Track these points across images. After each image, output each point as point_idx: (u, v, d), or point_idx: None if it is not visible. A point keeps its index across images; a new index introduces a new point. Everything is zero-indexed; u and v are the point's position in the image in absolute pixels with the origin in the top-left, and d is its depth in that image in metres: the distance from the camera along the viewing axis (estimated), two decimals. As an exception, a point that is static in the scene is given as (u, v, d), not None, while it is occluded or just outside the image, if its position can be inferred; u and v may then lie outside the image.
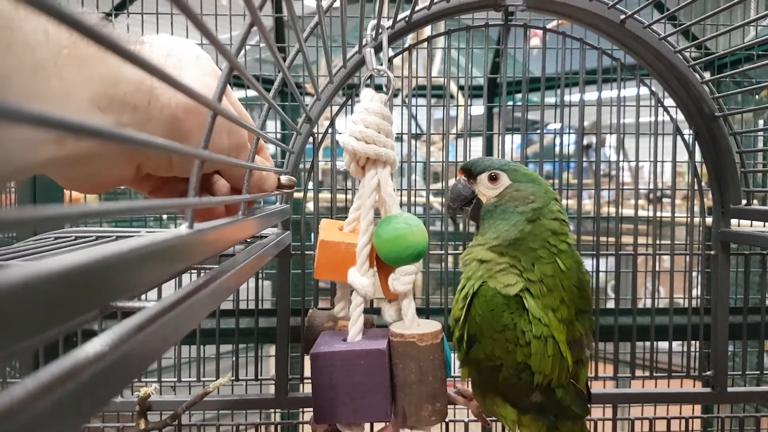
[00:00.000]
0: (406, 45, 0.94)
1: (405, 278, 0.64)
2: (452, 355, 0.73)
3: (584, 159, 1.09)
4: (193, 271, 0.59)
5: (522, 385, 0.64)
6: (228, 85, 0.35)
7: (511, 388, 0.65)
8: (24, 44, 0.32)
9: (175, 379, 0.96)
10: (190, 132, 0.43)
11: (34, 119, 0.14)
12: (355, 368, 0.60)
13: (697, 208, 0.94)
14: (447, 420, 0.96)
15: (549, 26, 0.95)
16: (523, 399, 0.66)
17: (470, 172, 0.70)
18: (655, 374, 0.96)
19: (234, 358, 0.97)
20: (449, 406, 0.69)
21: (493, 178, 0.68)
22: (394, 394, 0.62)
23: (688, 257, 0.96)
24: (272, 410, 1.16)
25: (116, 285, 0.20)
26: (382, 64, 0.70)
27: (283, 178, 0.60)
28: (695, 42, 0.90)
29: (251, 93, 1.43)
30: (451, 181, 1.05)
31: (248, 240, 0.62)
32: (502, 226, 0.67)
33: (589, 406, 0.70)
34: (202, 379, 0.95)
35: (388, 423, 0.66)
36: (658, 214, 0.98)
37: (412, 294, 0.65)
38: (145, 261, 0.23)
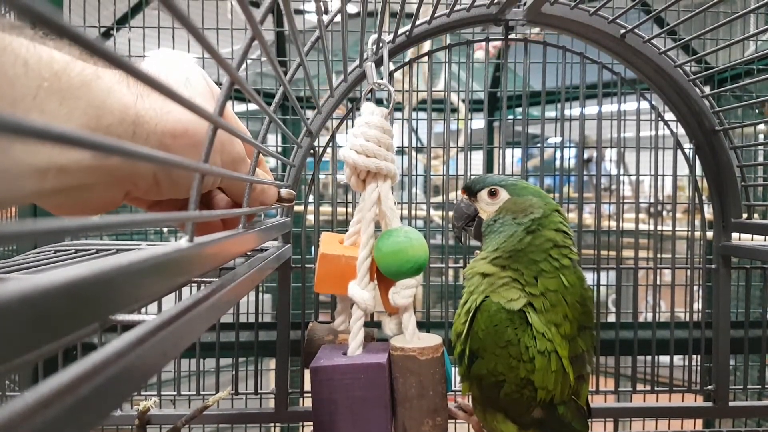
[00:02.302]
0: (407, 59, 0.95)
1: (405, 292, 0.63)
2: (453, 369, 0.72)
3: (585, 173, 1.09)
4: (193, 284, 0.59)
5: (524, 401, 0.64)
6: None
7: (513, 404, 0.65)
8: (3, 78, 0.31)
9: (175, 393, 0.95)
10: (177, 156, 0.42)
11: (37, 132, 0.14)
12: (356, 382, 0.60)
13: (697, 222, 0.94)
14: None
15: (534, 31, 0.95)
16: (525, 415, 0.65)
17: (471, 190, 0.72)
18: (656, 388, 0.95)
19: (234, 372, 0.96)
20: (450, 421, 0.69)
21: (493, 194, 0.70)
22: (395, 409, 0.62)
23: (689, 271, 0.96)
24: (272, 424, 1.15)
25: (116, 299, 0.20)
26: (382, 78, 0.70)
27: (283, 192, 0.60)
28: (695, 56, 0.90)
29: (252, 106, 1.44)
30: (452, 195, 1.05)
31: (248, 253, 0.62)
32: (500, 238, 0.67)
33: (589, 422, 0.70)
34: (201, 392, 0.95)
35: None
36: (659, 227, 0.98)
37: (412, 307, 0.65)
38: (145, 275, 0.23)
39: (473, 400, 0.71)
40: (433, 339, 0.63)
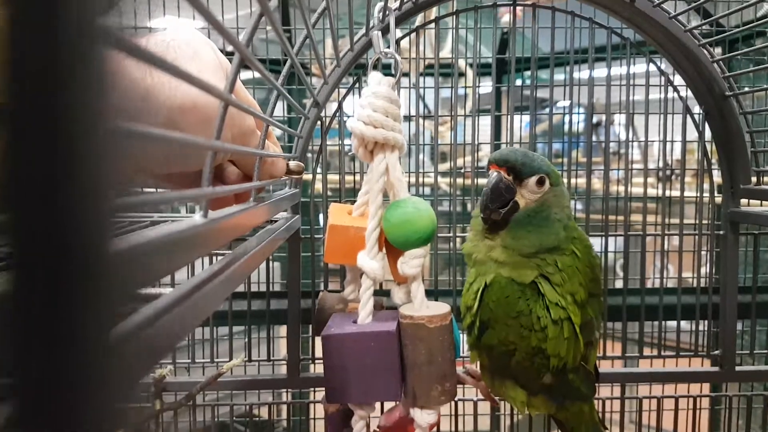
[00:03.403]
0: (414, 26, 0.94)
1: (414, 261, 0.64)
2: (461, 335, 0.73)
3: (593, 137, 1.08)
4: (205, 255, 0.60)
5: (535, 368, 0.65)
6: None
7: (524, 372, 0.66)
8: None
9: (189, 361, 0.97)
10: (186, 130, 0.43)
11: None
12: (366, 350, 0.61)
13: (706, 187, 0.94)
14: (456, 399, 0.97)
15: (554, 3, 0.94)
16: (535, 381, 0.66)
17: (517, 173, 0.63)
18: (663, 353, 0.96)
19: (246, 339, 0.98)
20: (458, 386, 0.70)
21: (541, 183, 0.63)
22: (404, 375, 0.63)
23: (697, 236, 0.96)
24: (284, 390, 1.18)
25: (141, 276, 0.21)
26: (389, 46, 0.70)
27: (292, 164, 0.60)
28: (708, 20, 0.89)
29: (256, 74, 1.43)
30: (459, 161, 1.05)
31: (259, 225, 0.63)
32: (543, 236, 0.64)
33: (596, 385, 0.71)
34: (215, 360, 0.97)
35: (398, 402, 0.67)
36: (668, 193, 0.98)
37: (421, 276, 0.66)
38: (163, 251, 0.23)
39: (481, 367, 0.72)
40: (442, 307, 0.64)
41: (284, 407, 1.19)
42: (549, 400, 0.68)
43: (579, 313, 0.65)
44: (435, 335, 0.62)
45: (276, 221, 0.69)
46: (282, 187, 0.80)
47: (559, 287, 0.64)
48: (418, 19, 1.01)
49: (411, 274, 0.65)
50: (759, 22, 0.85)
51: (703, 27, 1.04)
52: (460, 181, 0.99)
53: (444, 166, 1.85)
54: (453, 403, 0.98)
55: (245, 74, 1.72)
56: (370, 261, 0.64)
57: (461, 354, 0.79)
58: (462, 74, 1.52)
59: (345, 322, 0.65)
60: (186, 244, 0.27)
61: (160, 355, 0.24)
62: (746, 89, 0.86)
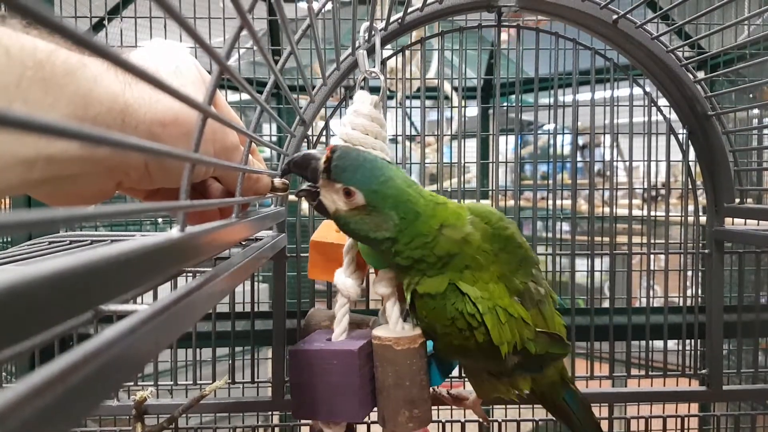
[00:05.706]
0: (400, 47, 0.95)
1: (386, 281, 0.64)
2: None
3: (580, 159, 1.09)
4: (189, 274, 0.59)
5: (492, 356, 0.62)
6: (217, 90, 0.35)
7: (486, 362, 0.64)
8: None
9: (172, 383, 0.95)
10: (168, 144, 0.42)
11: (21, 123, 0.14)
12: (330, 368, 0.61)
13: (691, 207, 0.95)
14: (443, 421, 0.96)
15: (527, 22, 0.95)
16: (502, 365, 0.63)
17: (327, 169, 0.58)
18: (650, 373, 0.96)
19: (230, 361, 0.97)
20: (448, 408, 0.69)
21: (348, 194, 0.58)
22: (377, 397, 0.63)
23: (682, 256, 0.97)
24: (270, 412, 1.16)
25: (105, 289, 0.20)
26: (375, 66, 0.70)
27: (276, 181, 0.60)
28: (688, 41, 0.90)
29: (246, 96, 1.44)
30: (446, 183, 1.05)
31: (243, 243, 0.62)
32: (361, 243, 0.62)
33: (568, 342, 0.68)
34: (198, 382, 0.95)
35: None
36: (653, 213, 0.99)
37: (395, 296, 0.65)
38: (134, 264, 0.23)
39: (467, 375, 0.72)
40: (414, 330, 0.64)
41: (270, 431, 1.17)
42: (525, 372, 0.67)
43: (504, 291, 0.63)
44: (402, 358, 0.61)
45: (261, 239, 0.69)
46: (269, 206, 0.80)
47: (474, 284, 0.61)
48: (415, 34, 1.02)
49: (383, 294, 0.64)
50: (738, 43, 0.86)
51: (686, 51, 1.05)
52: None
53: (432, 188, 1.86)
54: (440, 425, 0.96)
55: (233, 96, 1.73)
56: (345, 279, 0.64)
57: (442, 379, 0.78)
58: (447, 97, 1.53)
59: (321, 338, 0.65)
60: (162, 257, 0.26)
61: (130, 373, 0.23)
62: (728, 109, 0.87)
